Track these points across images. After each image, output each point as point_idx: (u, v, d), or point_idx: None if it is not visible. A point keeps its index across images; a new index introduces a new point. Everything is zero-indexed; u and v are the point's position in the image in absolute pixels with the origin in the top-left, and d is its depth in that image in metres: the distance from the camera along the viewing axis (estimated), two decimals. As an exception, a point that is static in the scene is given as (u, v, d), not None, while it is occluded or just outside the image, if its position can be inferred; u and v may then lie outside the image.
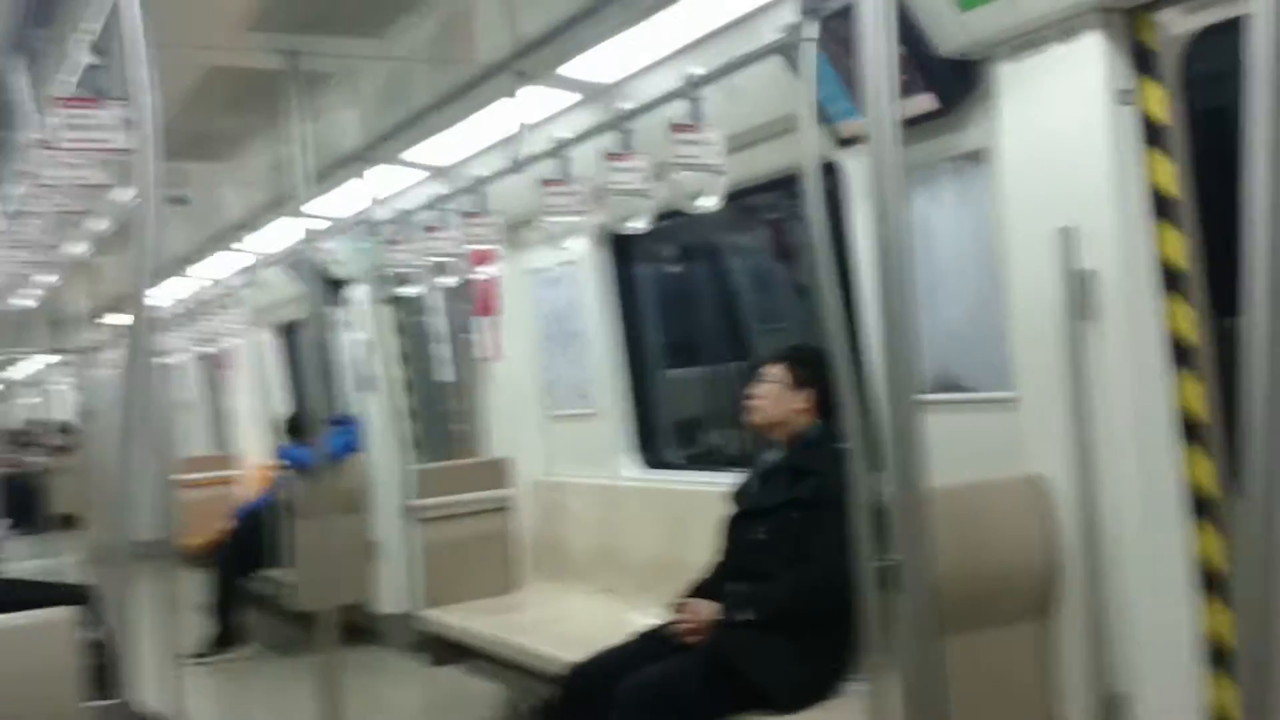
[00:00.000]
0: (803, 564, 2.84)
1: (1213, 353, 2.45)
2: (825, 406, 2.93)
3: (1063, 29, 2.44)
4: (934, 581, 1.77)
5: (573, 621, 3.98)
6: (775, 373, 3.06)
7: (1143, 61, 2.45)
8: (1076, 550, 2.49)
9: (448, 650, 4.38)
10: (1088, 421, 2.46)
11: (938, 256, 2.90)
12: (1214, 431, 2.45)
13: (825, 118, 2.80)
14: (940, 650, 1.80)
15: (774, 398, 3.04)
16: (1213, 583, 2.44)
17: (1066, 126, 2.48)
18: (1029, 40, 2.51)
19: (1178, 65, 2.43)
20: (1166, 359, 2.45)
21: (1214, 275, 2.45)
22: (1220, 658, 2.43)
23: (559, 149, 3.58)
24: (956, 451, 2.77)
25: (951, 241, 2.88)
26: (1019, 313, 2.63)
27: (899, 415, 1.80)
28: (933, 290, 2.89)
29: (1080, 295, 2.46)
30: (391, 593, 5.66)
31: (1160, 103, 2.44)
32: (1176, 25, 2.42)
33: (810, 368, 2.96)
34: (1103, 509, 2.46)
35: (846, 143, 2.91)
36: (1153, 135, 2.45)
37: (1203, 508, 2.45)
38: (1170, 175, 2.45)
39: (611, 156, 3.21)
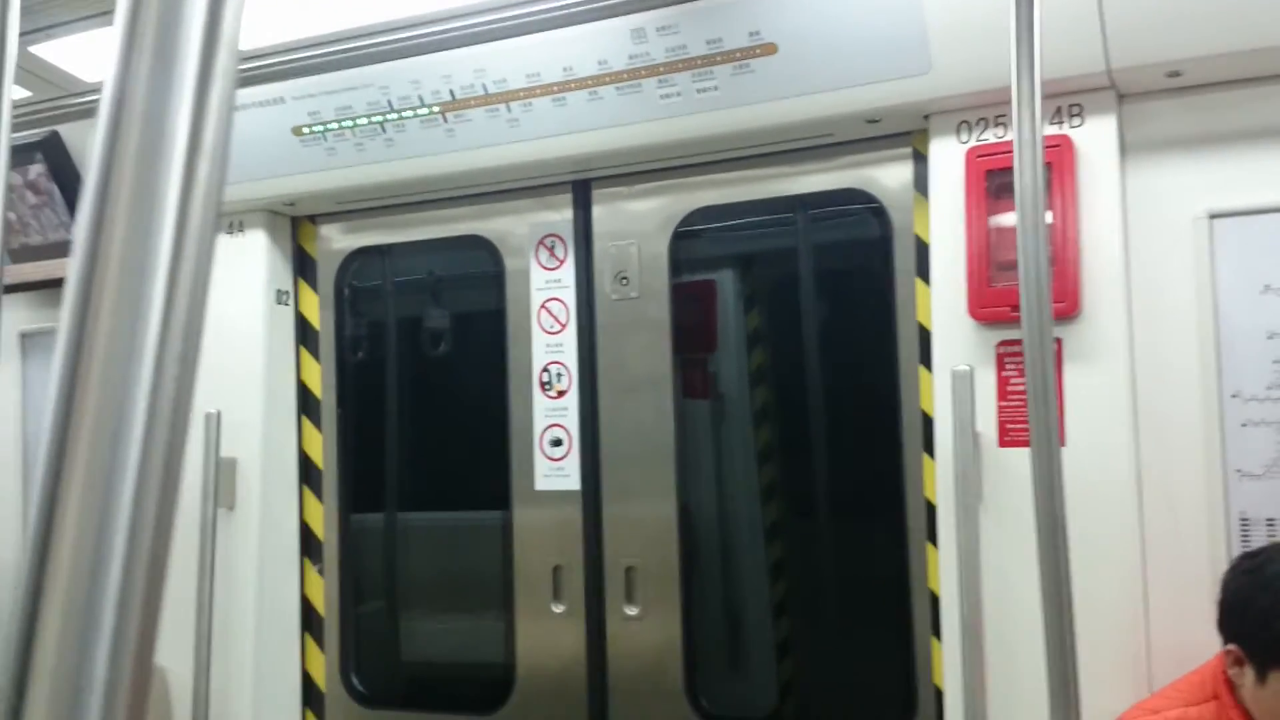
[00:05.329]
0: None
1: (340, 546, 2.59)
2: None
3: (230, 222, 2.52)
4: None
5: None
6: None
7: (303, 267, 2.60)
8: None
9: None
10: (211, 611, 2.44)
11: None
12: (332, 624, 2.57)
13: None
14: None
15: None
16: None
17: (228, 316, 2.54)
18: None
19: (335, 276, 2.61)
20: (297, 550, 2.55)
21: (347, 473, 2.60)
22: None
23: None
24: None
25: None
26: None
27: None
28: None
29: (226, 482, 2.48)
30: None
31: (315, 307, 2.60)
32: (336, 240, 2.61)
33: None
34: (215, 699, 2.43)
35: None
36: (305, 336, 2.59)
37: (314, 699, 2.54)
38: (317, 376, 2.59)
39: None
